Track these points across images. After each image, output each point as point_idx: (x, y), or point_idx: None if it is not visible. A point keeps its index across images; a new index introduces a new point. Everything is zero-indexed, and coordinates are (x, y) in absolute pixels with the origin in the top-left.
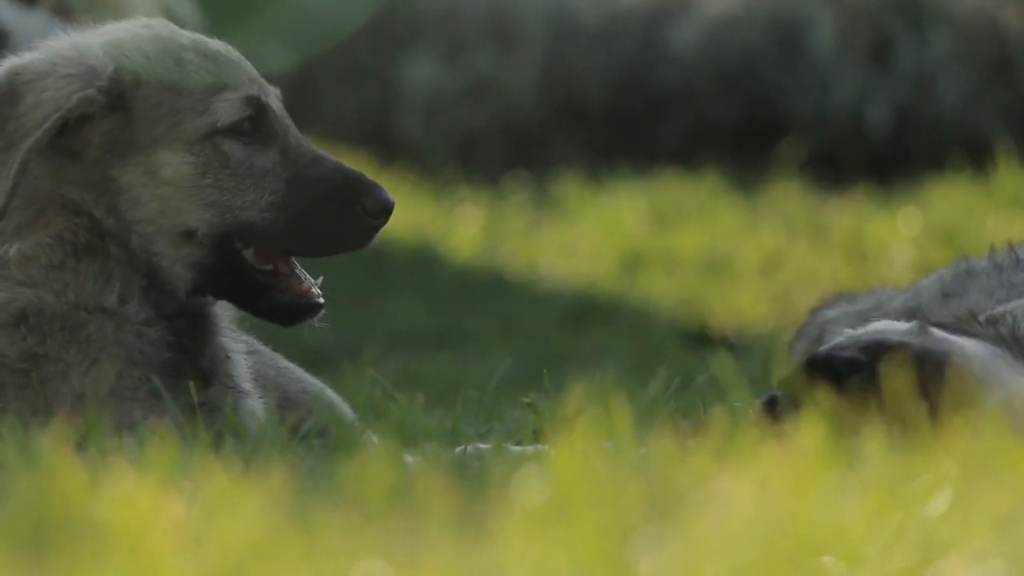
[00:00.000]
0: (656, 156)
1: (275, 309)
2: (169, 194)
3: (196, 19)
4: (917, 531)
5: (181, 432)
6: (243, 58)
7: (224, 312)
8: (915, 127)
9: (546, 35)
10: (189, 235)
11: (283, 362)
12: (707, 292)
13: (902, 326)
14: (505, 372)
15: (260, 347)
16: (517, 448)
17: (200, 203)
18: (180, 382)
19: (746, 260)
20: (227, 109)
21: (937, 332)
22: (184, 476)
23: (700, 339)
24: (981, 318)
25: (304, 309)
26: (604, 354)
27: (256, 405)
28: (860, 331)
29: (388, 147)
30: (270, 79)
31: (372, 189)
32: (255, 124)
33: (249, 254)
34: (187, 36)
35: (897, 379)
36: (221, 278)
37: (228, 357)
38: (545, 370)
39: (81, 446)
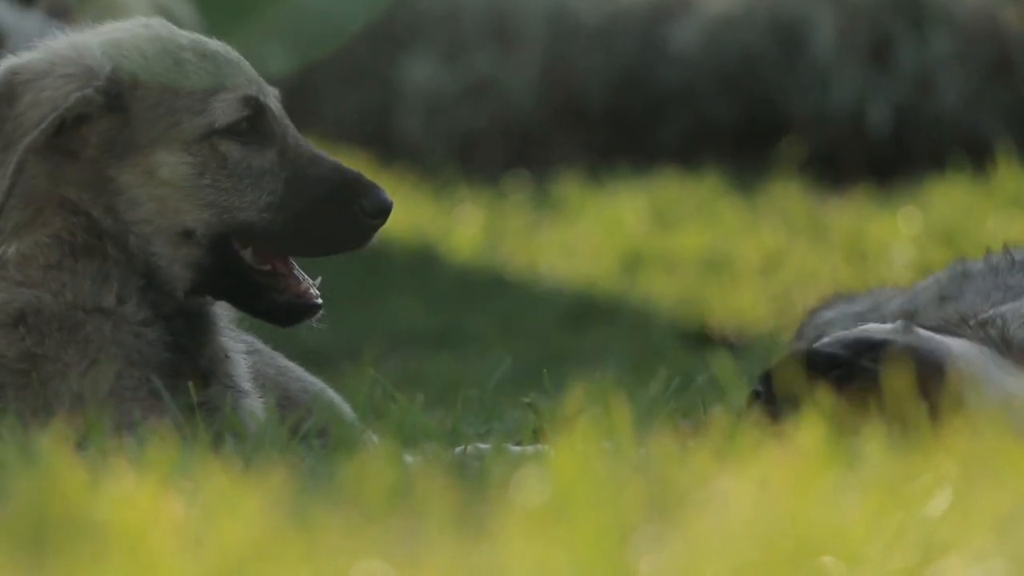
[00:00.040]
0: (656, 156)
1: (273, 309)
2: (167, 194)
3: (193, 20)
4: (917, 531)
5: (181, 432)
6: (242, 58)
7: (224, 312)
8: (915, 127)
9: (546, 35)
10: (187, 235)
11: (283, 361)
12: (707, 292)
13: (887, 326)
14: (505, 372)
15: (260, 346)
16: (517, 448)
17: (198, 203)
18: (179, 382)
19: (746, 260)
20: (225, 109)
21: (922, 331)
22: (184, 476)
23: (700, 339)
24: (972, 322)
25: (302, 310)
26: (604, 354)
27: (256, 405)
28: (846, 331)
29: (388, 147)
30: (270, 80)
31: (370, 189)
32: (253, 124)
33: (247, 254)
34: (186, 36)
35: (895, 379)
36: (219, 278)
37: (227, 357)
38: (545, 370)
39: (81, 446)
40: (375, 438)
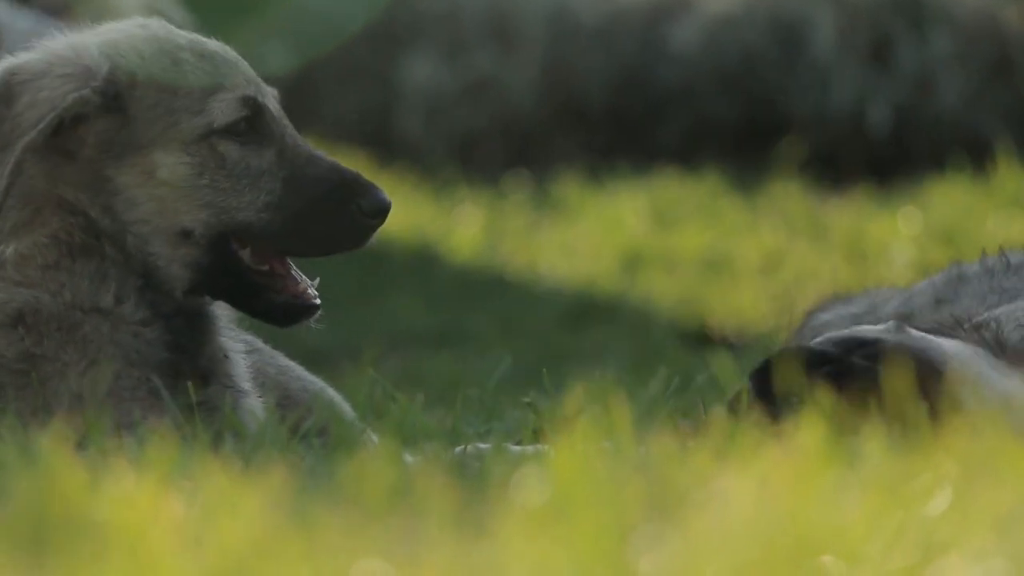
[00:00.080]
0: (656, 156)
1: (272, 310)
2: (165, 194)
3: (185, 22)
4: (917, 530)
5: (180, 432)
6: (240, 58)
7: (224, 311)
8: (915, 127)
9: (546, 35)
10: (185, 235)
11: (283, 360)
12: (707, 292)
13: (879, 326)
14: (505, 371)
15: (260, 345)
16: (517, 448)
17: (196, 203)
18: (179, 382)
19: (746, 260)
20: (223, 109)
21: (914, 332)
22: (184, 476)
23: (700, 339)
24: (966, 325)
25: (300, 310)
26: (604, 354)
27: (255, 404)
28: (839, 331)
29: (388, 147)
30: (269, 79)
31: (368, 189)
32: (251, 124)
33: (246, 254)
34: (184, 36)
35: (894, 378)
36: (218, 278)
37: (227, 357)
38: (545, 370)
39: (81, 446)
40: (375, 437)
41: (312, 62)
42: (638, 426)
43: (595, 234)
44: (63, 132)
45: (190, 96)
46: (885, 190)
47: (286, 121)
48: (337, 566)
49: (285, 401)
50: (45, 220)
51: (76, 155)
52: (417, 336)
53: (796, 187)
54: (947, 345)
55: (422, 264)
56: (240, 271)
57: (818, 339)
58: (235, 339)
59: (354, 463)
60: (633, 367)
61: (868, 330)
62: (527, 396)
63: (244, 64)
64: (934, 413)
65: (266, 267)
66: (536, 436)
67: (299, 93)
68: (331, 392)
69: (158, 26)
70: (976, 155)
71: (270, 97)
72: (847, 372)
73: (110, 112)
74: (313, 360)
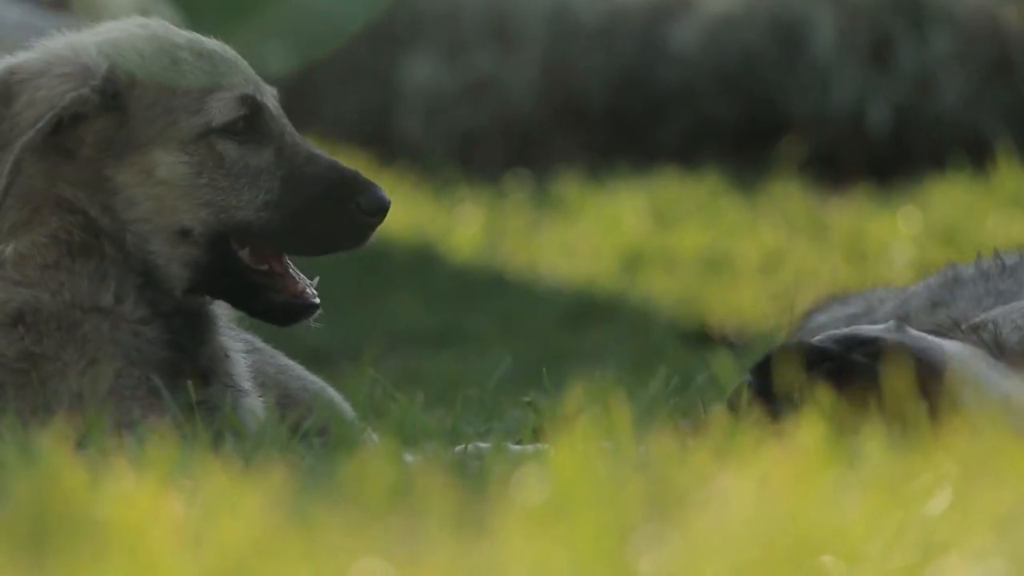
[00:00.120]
0: (656, 155)
1: (271, 309)
2: (164, 193)
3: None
4: (917, 530)
5: (181, 431)
6: (239, 57)
7: (223, 311)
8: (915, 127)
9: (546, 34)
10: (184, 234)
11: (283, 360)
12: (707, 291)
13: (879, 325)
14: (505, 371)
15: (260, 345)
16: (517, 447)
17: (195, 202)
18: (179, 381)
19: (746, 259)
20: (222, 108)
21: (914, 331)
22: (184, 475)
23: (700, 338)
24: (964, 326)
25: (300, 309)
26: (604, 353)
27: (256, 404)
28: (838, 330)
29: (388, 147)
30: (269, 79)
31: (367, 187)
32: (250, 123)
33: (245, 254)
34: (183, 35)
35: (894, 378)
36: (217, 277)
37: (227, 356)
38: (545, 369)
39: (80, 445)
40: (375, 437)
41: (312, 62)
42: (638, 426)
43: (595, 234)
44: (62, 131)
45: (189, 95)
46: (885, 190)
47: (285, 120)
48: (337, 565)
49: (285, 400)
50: (44, 219)
51: (75, 154)
52: (417, 336)
53: (796, 187)
54: (947, 345)
55: (422, 264)
56: (239, 270)
57: (818, 337)
58: (235, 338)
59: (354, 463)
60: (633, 367)
61: (868, 329)
62: (527, 396)
63: (243, 63)
64: (934, 413)
65: (265, 266)
66: (536, 436)
67: (299, 93)
68: (331, 392)
69: (157, 25)
70: (976, 155)
71: (269, 96)
72: (847, 369)
73: (109, 111)
74: (313, 360)
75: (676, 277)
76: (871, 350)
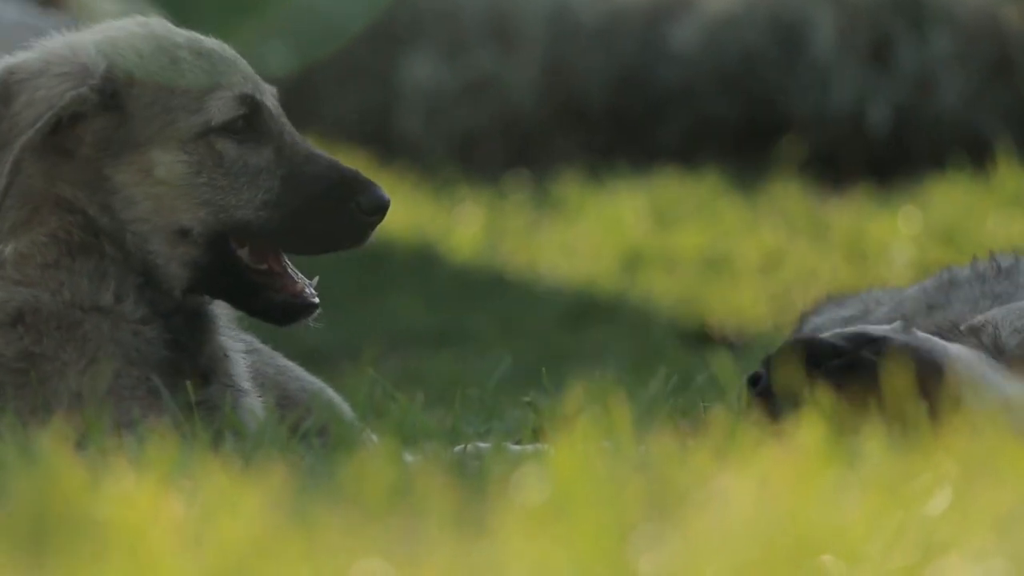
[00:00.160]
0: (656, 155)
1: (270, 309)
2: (163, 193)
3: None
4: (917, 530)
5: (180, 431)
6: (238, 56)
7: (223, 311)
8: (915, 126)
9: (546, 34)
10: (184, 234)
11: (282, 360)
12: (707, 291)
13: (886, 325)
14: (505, 371)
15: (259, 345)
16: (517, 447)
17: (194, 202)
18: (179, 380)
19: (746, 259)
20: (221, 108)
21: (920, 333)
22: (183, 475)
23: (700, 338)
24: (963, 327)
25: (299, 309)
26: (604, 353)
27: (255, 404)
28: (844, 329)
29: (388, 146)
30: (269, 79)
31: (367, 186)
32: (249, 122)
33: (244, 253)
34: (182, 35)
35: (893, 377)
36: (216, 277)
37: (227, 356)
38: (545, 369)
39: (80, 445)
40: (375, 437)
41: (312, 62)
42: (638, 426)
43: (595, 234)
44: (61, 131)
45: (188, 94)
46: (885, 190)
47: (284, 119)
48: (337, 565)
49: (284, 401)
50: (44, 219)
51: (74, 154)
52: (417, 336)
53: (796, 187)
54: (951, 348)
55: (422, 264)
56: (239, 270)
57: (827, 333)
58: (235, 338)
59: (354, 463)
60: (633, 367)
61: (876, 328)
62: (527, 395)
63: (242, 62)
64: (939, 414)
65: (264, 266)
66: (536, 435)
67: (299, 93)
68: (330, 392)
69: (156, 24)
70: (976, 155)
71: (268, 95)
72: (855, 366)
73: (108, 110)
74: (313, 360)
75: (676, 277)
76: (879, 349)
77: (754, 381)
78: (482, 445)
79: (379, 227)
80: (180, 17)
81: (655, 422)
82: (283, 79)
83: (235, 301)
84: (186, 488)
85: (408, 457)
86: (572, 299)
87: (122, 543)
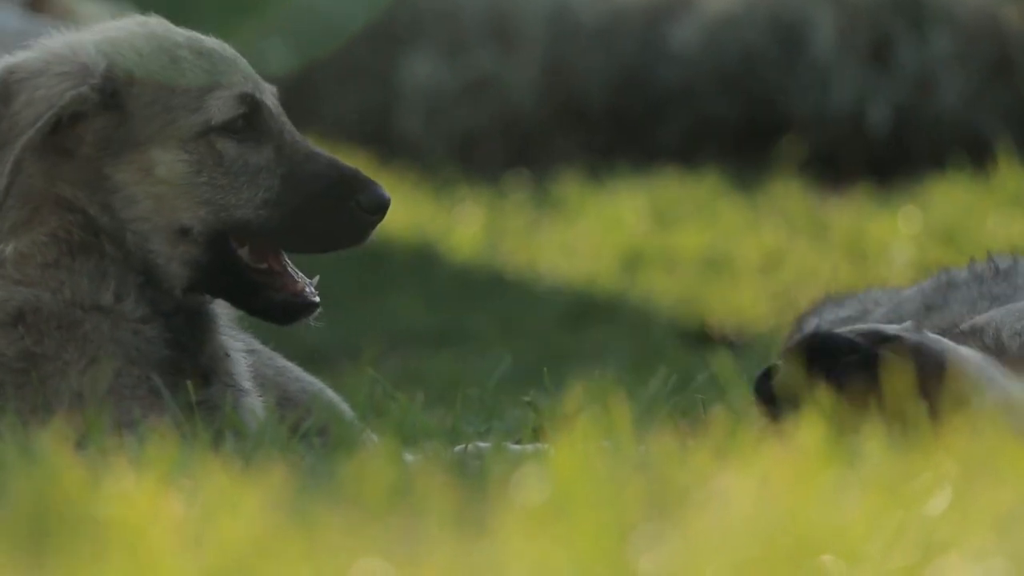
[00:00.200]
0: (656, 155)
1: (270, 308)
2: (163, 192)
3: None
4: (917, 530)
5: (181, 430)
6: (238, 55)
7: (224, 310)
8: (915, 126)
9: (546, 34)
10: (184, 233)
11: (282, 361)
12: (707, 291)
13: (899, 325)
14: (505, 371)
15: (258, 346)
16: (517, 447)
17: (194, 201)
18: (179, 380)
19: (746, 259)
20: (221, 107)
21: (931, 334)
22: (184, 474)
23: (700, 338)
24: (964, 327)
25: (299, 308)
26: (604, 353)
27: (256, 403)
28: (857, 325)
29: (388, 146)
30: (269, 78)
31: (367, 185)
32: (249, 121)
33: (244, 252)
34: (182, 34)
35: (896, 377)
36: (217, 276)
37: (227, 355)
38: (545, 369)
39: (80, 445)
40: (375, 437)
41: (312, 61)
42: (638, 425)
43: (595, 233)
44: (61, 130)
45: (188, 93)
46: (885, 190)
47: (284, 118)
48: (337, 565)
49: (284, 402)
50: (44, 218)
51: (74, 153)
52: (417, 335)
53: (796, 187)
54: (961, 350)
55: (422, 263)
56: (239, 269)
57: (841, 329)
58: (235, 338)
59: (354, 462)
60: (633, 366)
61: (888, 327)
62: (527, 395)
63: (242, 61)
64: (947, 415)
65: (264, 265)
66: (536, 435)
67: (299, 92)
68: (330, 393)
69: (156, 24)
70: (976, 155)
71: (268, 94)
72: (870, 363)
73: (108, 110)
74: (312, 359)
75: (676, 277)
76: (894, 347)
77: (766, 377)
78: (482, 445)
79: (379, 226)
80: (180, 16)
81: (655, 422)
82: (283, 78)
83: (235, 300)
84: (186, 488)
85: (408, 457)
86: (572, 299)
87: (122, 542)
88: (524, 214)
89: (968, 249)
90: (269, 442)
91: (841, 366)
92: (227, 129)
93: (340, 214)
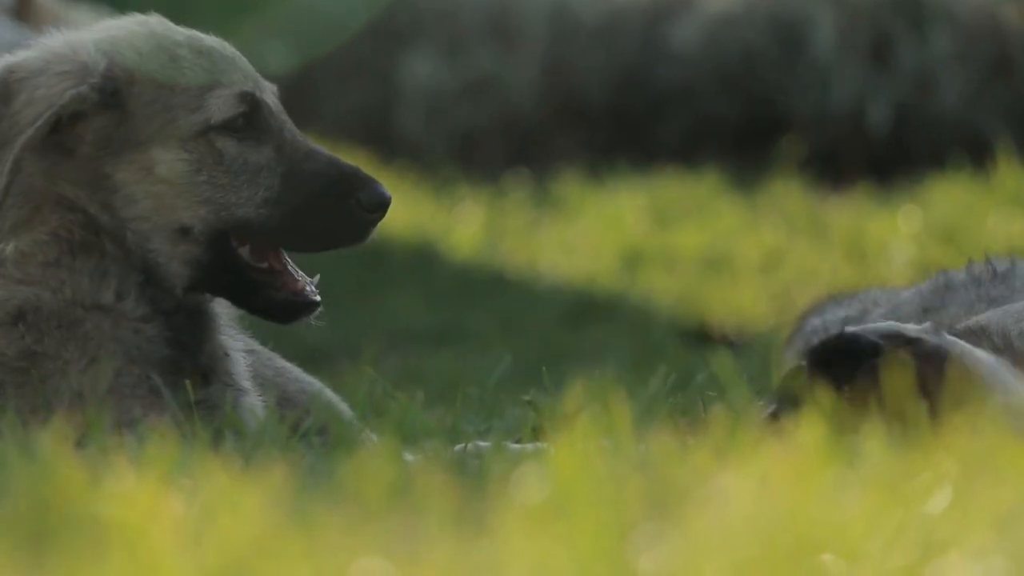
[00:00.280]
0: (656, 154)
1: (271, 307)
2: (163, 191)
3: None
4: (917, 529)
5: (181, 430)
6: (238, 54)
7: (224, 310)
8: (915, 126)
9: (546, 33)
10: (184, 232)
11: (281, 362)
12: (707, 290)
13: (918, 326)
14: (505, 370)
15: (257, 347)
16: (517, 446)
17: (195, 200)
18: (179, 379)
19: (746, 258)
20: (220, 106)
21: (948, 336)
22: (184, 474)
23: (700, 337)
24: (961, 328)
25: (300, 307)
26: (604, 352)
27: (256, 403)
28: (878, 324)
29: (388, 145)
30: (269, 77)
31: (367, 183)
32: (249, 120)
33: (245, 251)
34: (181, 33)
35: (898, 377)
36: (217, 275)
37: (227, 355)
38: (545, 368)
39: (81, 444)
40: (374, 436)
41: (312, 60)
42: (638, 424)
43: (595, 232)
44: (61, 129)
45: (188, 92)
46: (885, 189)
47: (284, 116)
48: (337, 564)
49: (283, 403)
50: (44, 218)
51: (74, 152)
52: (417, 334)
53: (796, 186)
54: (978, 352)
55: (422, 262)
56: (239, 268)
57: (858, 329)
58: (234, 338)
59: (354, 461)
60: (633, 365)
61: (908, 328)
62: (527, 394)
63: (242, 60)
64: (964, 417)
65: (265, 264)
66: (536, 434)
67: (299, 91)
68: (329, 393)
69: (156, 22)
70: (976, 154)
71: (268, 92)
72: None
73: (108, 109)
74: (312, 358)
75: (676, 276)
76: (915, 351)
77: (794, 377)
78: (482, 444)
79: (379, 225)
80: (180, 16)
81: (655, 421)
82: (283, 77)
83: (236, 299)
84: (186, 487)
85: (408, 456)
86: (572, 298)
87: (122, 541)
88: (524, 213)
89: (968, 249)
90: (269, 442)
91: (866, 369)
92: (227, 128)
93: (340, 212)
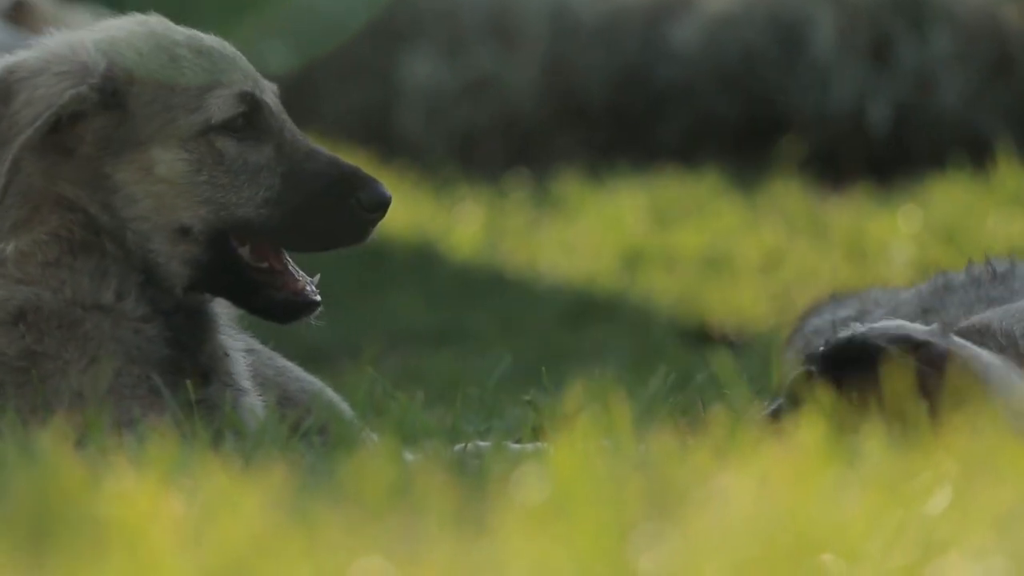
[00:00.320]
0: (656, 154)
1: (271, 307)
2: (163, 191)
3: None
4: (917, 528)
5: (181, 430)
6: (238, 54)
7: (224, 310)
8: (915, 125)
9: (547, 33)
10: (184, 232)
11: (281, 361)
12: (707, 290)
13: (924, 327)
14: (505, 370)
15: (258, 346)
16: (517, 446)
17: (195, 200)
18: (179, 379)
19: (746, 258)
20: (221, 106)
21: (956, 338)
22: (184, 474)
23: (700, 337)
24: (962, 326)
25: (300, 307)
26: (604, 352)
27: (255, 403)
28: (886, 323)
29: (388, 145)
30: (269, 77)
31: (368, 183)
32: (249, 120)
33: (245, 251)
34: (182, 32)
35: (898, 377)
36: (217, 275)
37: (227, 354)
38: (545, 368)
39: (80, 444)
40: (375, 436)
41: (312, 60)
42: (638, 424)
43: (595, 232)
44: (61, 129)
45: (187, 92)
46: (885, 189)
47: (284, 116)
48: (337, 564)
49: (284, 402)
50: (44, 217)
51: (74, 152)
52: (417, 334)
53: (796, 186)
54: (985, 354)
55: (422, 262)
56: (239, 268)
57: (865, 331)
58: (234, 338)
59: (354, 461)
60: (633, 365)
61: (916, 330)
62: (527, 394)
63: (242, 59)
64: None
65: (265, 264)
66: (536, 434)
67: (299, 91)
68: (330, 393)
69: (155, 22)
70: (976, 154)
71: (268, 92)
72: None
73: (108, 109)
74: (313, 358)
75: (676, 276)
76: (924, 355)
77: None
78: (482, 444)
79: (379, 225)
80: (180, 15)
81: (655, 421)
82: (283, 77)
83: (236, 299)
84: (186, 487)
85: (408, 456)
86: (572, 298)
87: (122, 541)
88: (524, 213)
89: (968, 248)
90: (269, 441)
91: (877, 372)
92: (227, 128)
93: (341, 212)
